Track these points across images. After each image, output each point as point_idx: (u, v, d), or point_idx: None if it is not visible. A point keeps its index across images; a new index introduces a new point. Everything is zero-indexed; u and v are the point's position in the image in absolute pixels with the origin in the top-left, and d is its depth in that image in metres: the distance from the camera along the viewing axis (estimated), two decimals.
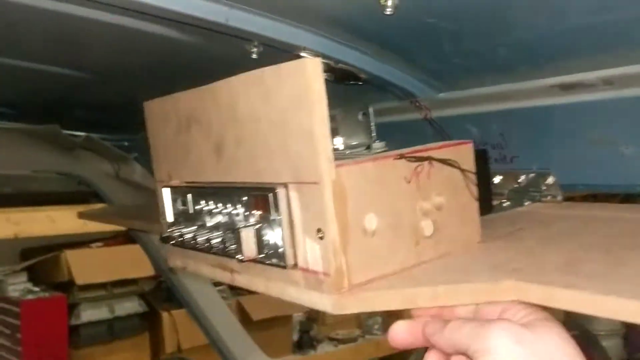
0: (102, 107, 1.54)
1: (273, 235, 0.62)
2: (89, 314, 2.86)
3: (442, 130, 1.02)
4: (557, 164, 0.88)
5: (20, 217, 2.59)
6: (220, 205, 0.70)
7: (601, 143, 0.81)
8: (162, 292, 3.03)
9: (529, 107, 0.87)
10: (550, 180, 0.89)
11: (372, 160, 0.60)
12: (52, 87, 1.35)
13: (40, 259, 2.89)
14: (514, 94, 0.88)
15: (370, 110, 0.74)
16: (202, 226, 0.73)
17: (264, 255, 0.63)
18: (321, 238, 0.57)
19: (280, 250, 0.61)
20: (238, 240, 0.63)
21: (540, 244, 0.67)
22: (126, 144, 1.97)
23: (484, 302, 0.55)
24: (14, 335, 2.62)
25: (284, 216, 0.60)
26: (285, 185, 0.60)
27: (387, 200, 0.61)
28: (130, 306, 2.98)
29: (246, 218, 0.65)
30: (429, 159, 0.65)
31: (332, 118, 0.75)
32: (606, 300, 0.47)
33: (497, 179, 0.96)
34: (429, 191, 0.65)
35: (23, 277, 2.88)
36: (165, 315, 2.97)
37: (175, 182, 0.80)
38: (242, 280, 0.70)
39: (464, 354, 0.51)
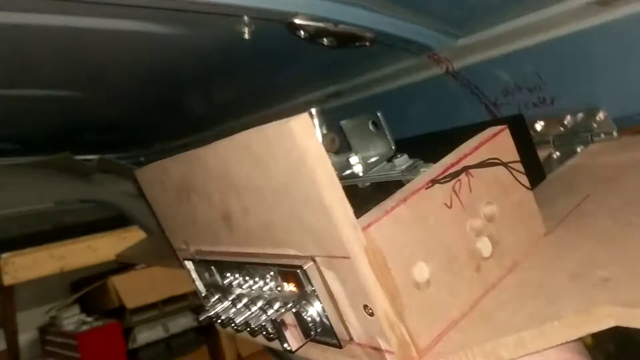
0: (110, 126, 1.47)
1: (315, 311, 0.54)
2: (144, 336, 2.91)
3: (468, 83, 0.90)
4: (606, 96, 0.76)
5: (62, 252, 2.61)
6: (247, 278, 0.62)
7: None
8: None
9: (563, 36, 0.74)
10: (601, 115, 0.77)
11: (402, 202, 0.50)
12: (55, 113, 1.29)
13: (88, 289, 2.94)
14: (543, 23, 0.74)
15: (380, 115, 0.63)
16: (236, 299, 0.65)
17: (312, 337, 0.55)
18: (371, 315, 0.48)
19: (330, 327, 0.53)
20: (279, 330, 0.55)
21: (619, 221, 0.57)
22: (142, 159, 1.90)
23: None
24: None
25: (320, 292, 0.52)
26: (312, 258, 0.51)
27: (433, 238, 0.52)
28: (184, 322, 3.01)
29: (279, 292, 0.57)
30: (465, 170, 0.55)
31: (334, 139, 0.65)
32: None
33: (539, 126, 0.85)
34: (476, 205, 0.55)
35: (75, 309, 2.94)
36: (219, 326, 2.98)
37: (193, 250, 0.73)
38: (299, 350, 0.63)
39: None
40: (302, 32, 0.80)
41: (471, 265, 0.54)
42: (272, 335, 0.58)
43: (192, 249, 0.73)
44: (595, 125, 0.78)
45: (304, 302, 0.54)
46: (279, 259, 0.55)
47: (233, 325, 0.64)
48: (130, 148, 1.82)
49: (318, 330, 0.54)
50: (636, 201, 0.60)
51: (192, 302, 3.01)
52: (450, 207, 0.53)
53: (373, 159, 0.66)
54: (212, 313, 0.67)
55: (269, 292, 0.59)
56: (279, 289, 0.57)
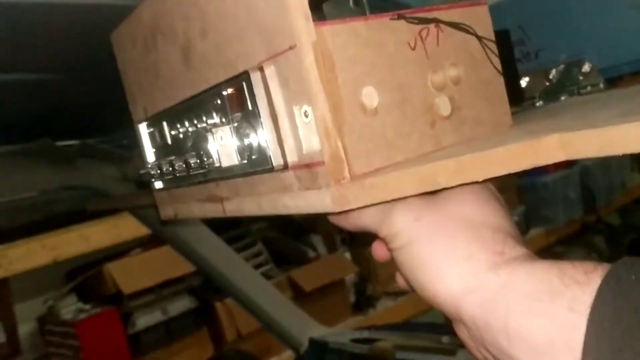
0: (89, 110, 1.45)
1: (255, 136, 0.50)
2: (143, 320, 2.88)
3: None
4: (592, 47, 0.74)
5: (54, 242, 2.58)
6: (195, 121, 0.59)
7: None
8: (211, 284, 2.98)
9: None
10: (586, 67, 0.76)
11: (363, 20, 0.48)
12: (31, 98, 1.26)
13: (84, 277, 2.90)
14: None
15: None
16: (182, 152, 0.62)
17: (246, 161, 0.51)
18: (307, 116, 0.45)
19: (265, 150, 0.49)
20: (214, 148, 0.52)
21: (589, 109, 0.54)
22: (125, 142, 1.88)
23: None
24: (77, 356, 2.65)
25: (262, 104, 0.49)
26: (260, 67, 0.49)
27: (389, 70, 0.49)
28: (183, 304, 2.98)
29: (223, 124, 0.54)
30: (435, 21, 0.53)
31: (321, 15, 0.63)
32: None
33: (524, 82, 0.83)
34: (441, 61, 0.53)
35: (73, 298, 2.92)
36: (218, 305, 2.93)
37: (151, 114, 0.70)
38: (232, 207, 0.59)
39: None
40: None
41: (426, 117, 0.51)
42: (208, 166, 0.54)
43: (150, 113, 0.70)
44: (581, 77, 0.76)
45: (245, 125, 0.51)
46: (227, 81, 0.52)
47: (171, 171, 0.60)
48: (113, 131, 1.81)
49: (253, 157, 0.51)
50: (614, 99, 0.58)
51: (189, 284, 2.95)
52: (413, 49, 0.51)
53: None
54: (155, 170, 0.64)
55: (213, 129, 0.56)
56: (223, 120, 0.54)
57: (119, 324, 2.77)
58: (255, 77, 0.48)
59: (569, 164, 4.07)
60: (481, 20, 0.56)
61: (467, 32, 0.55)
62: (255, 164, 0.51)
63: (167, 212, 0.74)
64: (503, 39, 0.71)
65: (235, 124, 0.51)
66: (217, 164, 0.52)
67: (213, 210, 0.63)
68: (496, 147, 0.43)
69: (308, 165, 0.46)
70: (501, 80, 0.57)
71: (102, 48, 0.89)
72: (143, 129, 0.70)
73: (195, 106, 0.58)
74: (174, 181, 0.66)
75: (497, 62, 0.57)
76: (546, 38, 0.78)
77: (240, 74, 0.50)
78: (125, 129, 1.76)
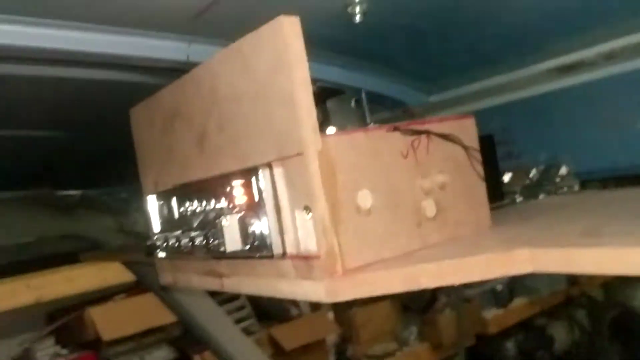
0: (93, 163, 1.51)
1: (259, 225, 0.56)
2: None
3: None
4: (569, 152, 0.82)
5: (38, 282, 2.56)
6: (204, 202, 0.64)
7: (613, 123, 0.75)
8: (192, 336, 2.95)
9: (528, 97, 0.82)
10: (563, 170, 0.83)
11: (363, 132, 0.55)
12: (37, 151, 1.32)
13: (64, 320, 2.86)
14: (509, 85, 0.83)
15: (363, 95, 0.69)
16: (188, 229, 0.67)
17: (249, 247, 0.56)
18: (308, 212, 0.51)
19: (267, 239, 0.55)
20: (221, 233, 0.57)
21: (558, 220, 0.61)
22: (124, 195, 1.93)
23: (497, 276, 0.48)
24: None
25: (268, 198, 0.54)
26: (269, 164, 0.55)
27: (383, 175, 0.55)
28: (161, 355, 2.92)
29: (231, 210, 0.59)
30: (427, 132, 0.59)
31: (325, 108, 0.70)
32: (634, 253, 0.40)
33: (507, 177, 0.90)
34: (429, 168, 0.59)
35: (50, 341, 2.85)
36: (197, 358, 2.89)
37: (162, 189, 0.75)
38: (231, 284, 0.64)
39: None
40: None
41: (413, 218, 0.57)
42: (212, 247, 0.60)
43: (160, 188, 0.75)
44: (558, 179, 0.83)
45: (251, 214, 0.56)
46: (238, 172, 0.58)
47: (178, 246, 0.65)
48: (113, 185, 1.86)
49: (256, 244, 0.56)
50: (581, 211, 0.64)
51: (170, 334, 2.91)
52: (405, 158, 0.57)
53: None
54: (161, 241, 0.69)
55: (220, 212, 0.61)
56: (230, 206, 0.60)
57: None
58: (265, 174, 0.54)
59: None
60: (468, 131, 0.63)
61: (455, 142, 0.61)
62: (257, 250, 0.56)
63: (166, 278, 0.79)
64: (488, 143, 0.79)
65: (242, 212, 0.56)
66: (221, 248, 0.57)
67: (212, 284, 0.67)
68: (474, 254, 0.49)
69: (305, 258, 0.52)
70: (483, 185, 0.64)
71: (106, 112, 0.96)
72: (152, 201, 0.75)
73: (206, 189, 0.63)
74: (177, 253, 0.71)
75: (480, 169, 0.63)
76: (529, 141, 0.86)
77: (251, 168, 0.56)
78: (124, 184, 1.81)
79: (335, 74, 0.80)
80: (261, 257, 0.56)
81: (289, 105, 0.51)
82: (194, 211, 0.66)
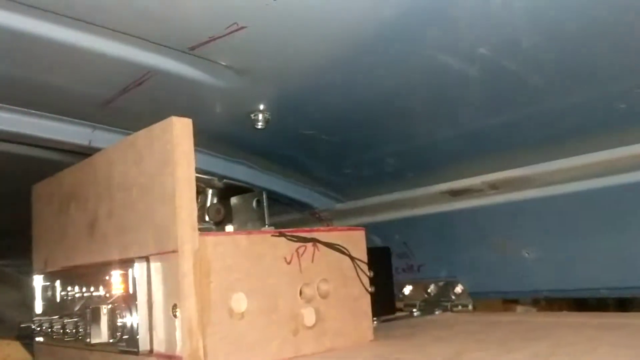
0: (5, 238, 1.46)
1: (130, 318, 0.55)
2: None
3: None
4: (464, 271, 0.84)
5: None
6: (84, 289, 0.62)
7: (503, 248, 0.78)
8: None
9: (427, 214, 0.85)
10: (459, 288, 0.85)
11: (246, 234, 0.55)
12: None
13: None
14: (409, 201, 0.86)
15: (264, 196, 0.70)
16: (67, 315, 0.64)
17: (117, 339, 0.55)
18: (175, 316, 0.50)
19: (136, 334, 0.53)
20: (89, 323, 0.56)
21: (435, 341, 0.61)
22: (30, 268, 1.85)
23: None
24: None
25: (141, 292, 0.53)
26: (147, 258, 0.54)
27: (262, 280, 0.55)
28: None
29: (106, 300, 0.58)
30: (314, 241, 0.60)
31: (219, 210, 0.71)
32: None
33: (407, 290, 0.91)
34: (313, 276, 0.60)
35: None
36: None
37: (50, 270, 0.73)
38: None
39: None
40: None
41: (290, 325, 0.57)
42: (80, 336, 0.57)
43: (50, 267, 0.73)
44: (454, 297, 0.85)
45: (123, 305, 0.55)
46: (118, 262, 0.57)
47: (50, 331, 0.63)
48: (19, 257, 1.79)
49: (124, 337, 0.54)
50: (460, 334, 0.65)
51: None
52: (288, 263, 0.58)
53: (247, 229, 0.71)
54: (36, 325, 0.66)
55: (97, 300, 0.60)
56: (107, 295, 0.58)
57: None
58: (141, 267, 0.54)
59: None
60: (357, 242, 0.65)
61: (343, 252, 0.62)
62: (124, 344, 0.54)
63: None
64: (384, 254, 0.81)
65: (115, 304, 0.55)
66: (87, 339, 0.55)
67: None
68: None
69: (170, 357, 0.50)
70: (368, 298, 0.64)
71: (14, 184, 0.92)
72: (38, 281, 0.73)
73: (89, 276, 0.62)
74: (53, 339, 0.68)
75: (366, 281, 0.64)
76: (427, 256, 0.88)
77: (130, 259, 0.55)
78: (31, 257, 1.73)
79: (243, 173, 0.82)
80: (127, 352, 0.54)
81: (169, 202, 0.51)
82: (74, 297, 0.64)
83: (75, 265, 0.67)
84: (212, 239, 0.53)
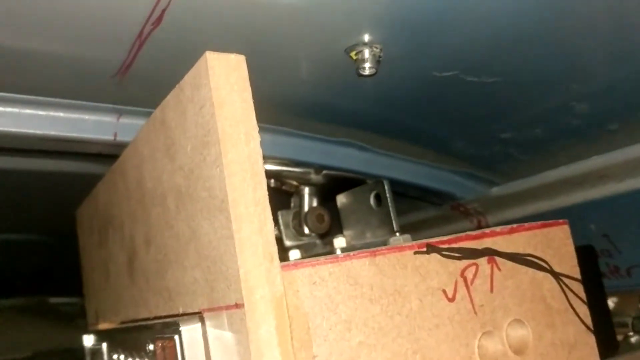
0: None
1: None
2: None
3: None
4: None
5: None
6: (129, 357, 0.40)
7: None
8: None
9: (636, 190, 0.55)
10: None
11: (370, 256, 0.30)
12: (29, 256, 1.18)
13: None
14: (610, 170, 0.56)
15: (387, 187, 0.45)
16: None
17: None
18: None
19: None
20: None
21: None
22: None
23: None
24: None
25: None
26: (199, 315, 0.31)
27: (410, 341, 0.30)
28: None
29: None
30: (490, 253, 0.34)
31: (322, 217, 0.47)
32: None
33: (611, 302, 0.62)
34: (497, 317, 0.33)
35: None
36: None
37: (102, 326, 0.52)
38: None
39: None
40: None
41: None
42: None
43: (100, 319, 0.53)
44: None
45: None
46: (162, 324, 0.35)
47: None
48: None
49: None
50: None
51: None
52: (451, 300, 0.32)
53: (366, 241, 0.46)
54: None
55: None
56: None
57: None
58: (189, 332, 0.30)
59: None
60: (560, 247, 0.37)
61: (540, 267, 0.35)
62: None
63: None
64: (587, 258, 0.52)
65: None
66: None
67: None
68: None
69: None
70: (591, 339, 0.37)
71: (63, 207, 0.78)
72: (88, 342, 0.52)
73: (130, 339, 0.40)
74: None
75: (584, 311, 0.37)
76: (638, 248, 0.58)
77: (174, 322, 0.31)
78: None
79: (350, 158, 0.55)
80: None
81: (220, 212, 0.27)
82: None
83: (121, 322, 0.45)
84: (307, 272, 0.28)
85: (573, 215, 0.56)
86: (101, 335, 0.50)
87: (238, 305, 0.26)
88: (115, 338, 0.46)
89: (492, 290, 0.33)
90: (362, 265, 0.30)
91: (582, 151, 0.54)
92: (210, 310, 0.29)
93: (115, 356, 0.45)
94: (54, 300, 1.33)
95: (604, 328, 0.48)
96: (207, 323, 0.30)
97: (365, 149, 0.56)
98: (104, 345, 0.48)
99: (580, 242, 0.54)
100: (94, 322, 0.55)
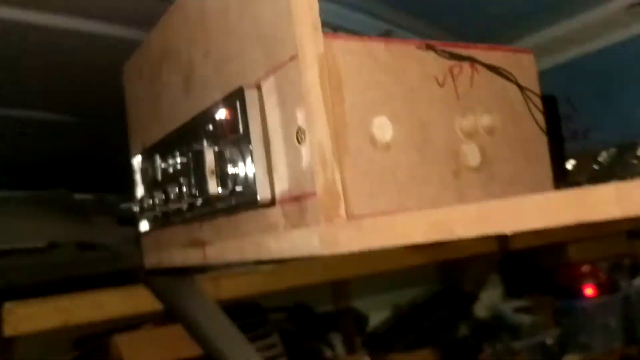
0: (113, 162, 1.40)
1: (243, 166, 0.43)
2: None
3: None
4: None
5: (67, 305, 2.50)
6: (185, 150, 0.51)
7: None
8: None
9: (599, 51, 0.65)
10: None
11: (383, 43, 0.41)
12: (50, 141, 1.22)
13: (90, 346, 2.78)
14: (573, 33, 0.65)
15: None
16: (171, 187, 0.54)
17: (229, 191, 0.43)
18: (302, 139, 0.37)
19: (252, 180, 0.41)
20: (196, 177, 0.44)
21: None
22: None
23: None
24: None
25: (254, 126, 0.41)
26: (257, 84, 0.42)
27: (409, 103, 0.41)
28: None
29: (210, 148, 0.46)
30: (471, 59, 0.45)
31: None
32: None
33: (569, 164, 0.74)
34: (473, 105, 0.45)
35: None
36: None
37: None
38: (214, 252, 0.50)
39: None
40: None
41: (449, 164, 0.42)
42: (185, 199, 0.46)
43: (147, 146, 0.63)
44: (635, 162, 0.67)
45: (233, 149, 0.43)
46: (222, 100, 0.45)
47: (153, 206, 0.53)
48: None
49: (239, 189, 0.42)
50: None
51: None
52: (441, 86, 0.43)
53: None
54: (137, 203, 0.56)
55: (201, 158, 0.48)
56: (214, 147, 0.46)
57: None
58: (251, 95, 0.41)
59: (610, 290, 3.85)
60: (525, 69, 0.49)
61: (507, 79, 0.47)
62: (240, 196, 0.42)
63: (150, 260, 0.66)
64: (549, 106, 0.64)
65: (222, 149, 0.43)
66: (197, 199, 0.44)
67: (194, 257, 0.54)
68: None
69: (297, 199, 0.38)
70: (544, 139, 0.49)
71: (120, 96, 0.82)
72: (137, 163, 0.63)
73: (187, 134, 0.51)
74: (158, 221, 0.58)
75: (540, 118, 0.49)
76: (598, 115, 0.69)
77: (235, 92, 0.43)
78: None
79: None
80: (245, 207, 0.43)
81: None
82: (176, 165, 0.53)
83: (173, 130, 0.56)
84: (341, 43, 0.39)
85: (541, 78, 0.67)
86: (151, 151, 0.61)
87: (293, 58, 0.37)
88: (168, 143, 0.56)
89: (471, 86, 0.45)
90: (378, 48, 0.41)
91: (549, 18, 0.65)
92: (267, 73, 0.40)
93: (169, 158, 0.56)
94: (74, 195, 1.41)
95: (557, 164, 0.60)
96: (264, 87, 0.41)
97: None
98: (156, 156, 0.59)
99: (556, 119, 0.66)
100: (140, 150, 0.65)
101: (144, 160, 0.62)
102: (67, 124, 1.09)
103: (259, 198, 0.41)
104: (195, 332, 1.65)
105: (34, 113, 1.05)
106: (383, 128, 0.39)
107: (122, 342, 3.06)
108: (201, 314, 1.63)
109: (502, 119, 0.46)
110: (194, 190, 0.46)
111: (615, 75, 0.64)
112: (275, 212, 0.40)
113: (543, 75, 0.66)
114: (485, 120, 0.45)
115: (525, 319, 3.83)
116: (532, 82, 0.49)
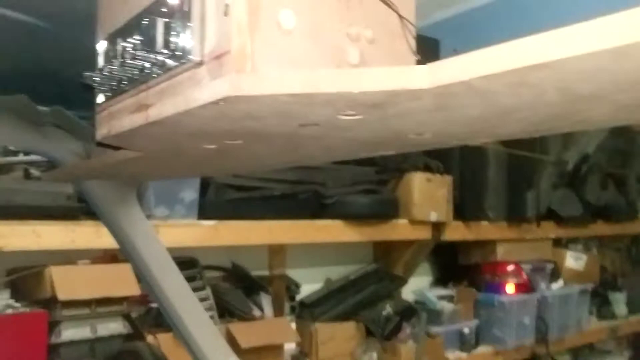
0: (72, 73, 1.47)
1: (184, 37, 0.57)
2: (70, 333, 2.79)
3: None
4: None
5: (4, 230, 2.57)
6: (143, 27, 0.65)
7: None
8: (151, 318, 2.96)
9: (486, 4, 0.80)
10: None
11: None
12: (20, 44, 1.26)
13: (23, 274, 2.86)
14: None
15: None
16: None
17: (171, 53, 0.58)
18: (226, 15, 0.52)
19: (188, 45, 0.56)
20: (148, 42, 0.59)
21: None
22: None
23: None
24: None
25: (195, 5, 0.56)
26: None
27: (310, 5, 0.57)
28: (114, 327, 2.90)
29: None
30: None
31: None
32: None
33: None
34: (359, 19, 0.61)
35: (6, 293, 2.86)
36: (149, 338, 2.86)
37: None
38: (155, 112, 0.65)
39: None
40: None
41: (334, 57, 0.58)
42: (138, 65, 0.61)
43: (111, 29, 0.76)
44: None
45: (177, 22, 0.58)
46: None
47: (111, 75, 0.67)
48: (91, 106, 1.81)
49: (176, 52, 0.57)
50: None
51: (126, 308, 2.90)
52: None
53: None
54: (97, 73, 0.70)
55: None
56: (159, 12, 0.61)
57: (44, 330, 2.69)
58: None
59: (529, 290, 4.11)
60: (406, 4, 0.65)
61: (390, 6, 0.63)
62: (179, 59, 0.57)
63: (102, 131, 0.80)
64: (432, 47, 0.81)
65: (170, 22, 0.58)
66: (147, 57, 0.58)
67: (139, 120, 0.68)
68: None
69: (218, 57, 0.53)
70: (413, 59, 0.65)
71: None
72: (101, 48, 0.77)
73: (145, 16, 0.65)
74: (112, 92, 0.72)
75: (413, 45, 0.65)
76: None
77: None
78: None
79: None
80: (181, 66, 0.58)
81: None
82: (134, 43, 0.67)
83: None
84: None
85: (434, 29, 0.84)
86: (115, 33, 0.74)
87: None
88: (131, 24, 0.69)
89: (361, 3, 0.61)
90: None
91: None
92: None
93: (129, 40, 0.70)
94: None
95: None
96: None
97: None
98: (119, 40, 0.73)
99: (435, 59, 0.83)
100: (103, 37, 0.79)
101: (108, 43, 0.75)
102: (40, 28, 1.17)
103: (191, 57, 0.56)
104: (143, 273, 1.73)
105: (7, 11, 1.12)
106: (287, 18, 0.55)
107: (56, 273, 3.12)
108: (151, 256, 1.73)
109: (381, 36, 0.62)
110: (145, 54, 0.60)
111: (480, 29, 0.81)
112: (202, 70, 0.56)
113: (438, 26, 0.82)
114: (367, 33, 0.61)
115: (447, 306, 4.05)
116: (410, 14, 0.65)
